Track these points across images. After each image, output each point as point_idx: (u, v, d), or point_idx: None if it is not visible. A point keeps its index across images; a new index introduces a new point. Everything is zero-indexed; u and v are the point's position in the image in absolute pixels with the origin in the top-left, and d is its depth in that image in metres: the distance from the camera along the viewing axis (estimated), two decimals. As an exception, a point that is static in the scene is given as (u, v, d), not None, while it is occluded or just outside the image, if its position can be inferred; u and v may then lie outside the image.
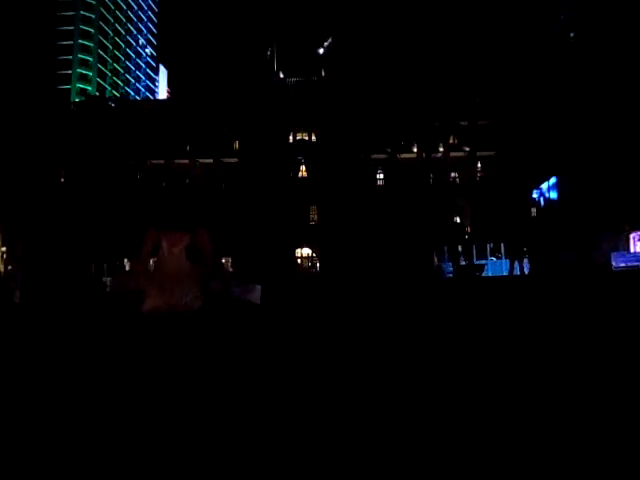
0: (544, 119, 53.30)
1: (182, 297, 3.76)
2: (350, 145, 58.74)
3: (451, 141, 58.45)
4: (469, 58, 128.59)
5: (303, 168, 60.73)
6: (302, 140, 60.63)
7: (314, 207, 58.57)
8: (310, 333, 8.33)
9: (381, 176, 61.26)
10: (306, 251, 55.55)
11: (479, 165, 60.35)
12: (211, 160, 61.22)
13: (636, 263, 23.03)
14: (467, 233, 49.12)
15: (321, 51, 60.53)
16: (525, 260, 18.39)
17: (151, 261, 4.49)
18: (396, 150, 59.07)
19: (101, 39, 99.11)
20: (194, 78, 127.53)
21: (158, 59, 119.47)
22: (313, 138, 60.31)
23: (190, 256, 3.82)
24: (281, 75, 61.84)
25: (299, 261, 55.57)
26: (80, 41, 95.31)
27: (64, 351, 3.96)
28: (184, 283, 3.78)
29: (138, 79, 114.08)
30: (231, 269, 45.33)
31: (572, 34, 55.62)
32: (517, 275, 18.04)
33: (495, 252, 37.23)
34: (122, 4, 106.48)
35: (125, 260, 52.32)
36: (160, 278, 3.91)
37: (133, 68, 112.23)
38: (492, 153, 58.99)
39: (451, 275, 26.54)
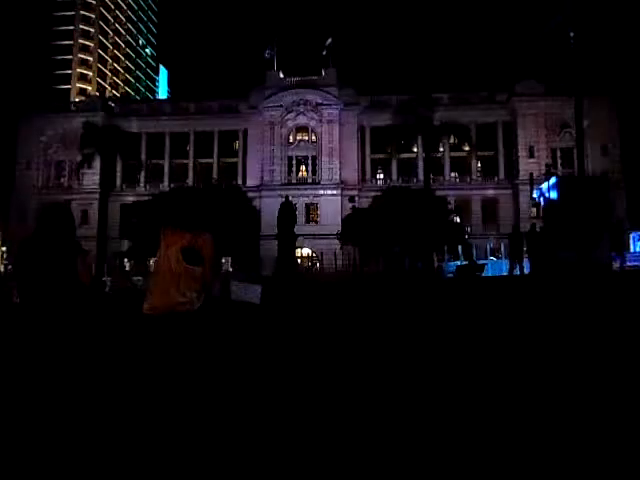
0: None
1: (178, 297, 3.74)
2: (351, 145, 58.77)
3: (451, 141, 58.33)
4: (469, 57, 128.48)
5: (303, 168, 60.69)
6: (302, 140, 60.61)
7: (314, 207, 58.56)
8: (310, 333, 8.32)
9: (381, 176, 61.22)
10: (306, 251, 55.47)
11: (479, 165, 60.31)
12: (211, 160, 61.30)
13: (636, 263, 23.00)
14: (467, 233, 49.16)
15: (324, 52, 60.31)
16: (525, 260, 18.35)
17: (152, 261, 4.47)
18: (396, 149, 59.04)
19: (101, 39, 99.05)
20: (194, 78, 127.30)
21: (158, 59, 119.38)
22: (313, 138, 60.26)
23: (186, 257, 3.78)
24: (281, 75, 61.78)
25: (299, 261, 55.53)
26: (80, 41, 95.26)
27: (64, 351, 3.95)
28: (180, 283, 3.75)
29: (138, 79, 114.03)
30: (231, 269, 45.27)
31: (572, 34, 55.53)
32: (517, 275, 18.00)
33: (495, 252, 37.22)
34: (122, 4, 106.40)
35: (125, 260, 52.32)
36: (157, 278, 3.89)
37: (133, 68, 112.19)
38: (492, 153, 59.00)
39: (451, 275, 26.57)
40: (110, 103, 65.91)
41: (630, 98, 53.99)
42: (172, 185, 56.48)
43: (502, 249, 33.99)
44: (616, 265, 17.82)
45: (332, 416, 4.00)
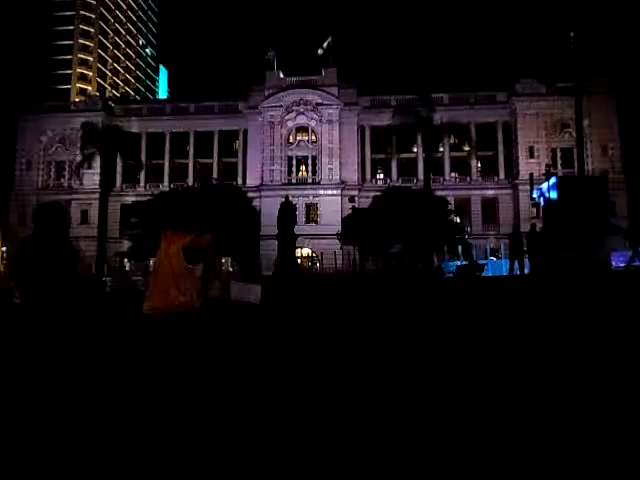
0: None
1: (178, 297, 3.75)
2: (351, 145, 58.72)
3: (451, 141, 58.27)
4: (469, 57, 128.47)
5: (303, 168, 60.64)
6: (302, 140, 60.55)
7: (314, 207, 58.53)
8: (310, 333, 8.32)
9: (381, 176, 61.18)
10: (306, 251, 55.45)
11: (479, 165, 60.23)
12: (211, 160, 61.26)
13: (636, 263, 22.90)
14: (467, 233, 49.16)
15: (320, 51, 60.21)
16: (525, 260, 18.34)
17: (152, 261, 4.49)
18: (396, 149, 58.98)
19: (101, 39, 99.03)
20: (194, 78, 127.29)
21: (158, 59, 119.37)
22: (313, 138, 60.21)
23: (187, 257, 3.80)
24: (281, 75, 61.73)
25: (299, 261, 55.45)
26: (80, 41, 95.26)
27: (64, 351, 3.95)
28: (180, 283, 3.76)
29: (138, 79, 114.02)
30: (231, 269, 45.27)
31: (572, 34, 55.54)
32: (517, 275, 18.00)
33: (495, 252, 37.27)
34: (122, 4, 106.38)
35: (125, 260, 52.30)
36: (157, 278, 3.90)
37: (133, 68, 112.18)
38: (492, 153, 58.92)
39: (451, 275, 26.57)
40: (110, 103, 65.86)
41: (630, 98, 54.02)
42: (172, 185, 56.44)
43: (502, 249, 34.02)
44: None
45: (330, 413, 4.00)
